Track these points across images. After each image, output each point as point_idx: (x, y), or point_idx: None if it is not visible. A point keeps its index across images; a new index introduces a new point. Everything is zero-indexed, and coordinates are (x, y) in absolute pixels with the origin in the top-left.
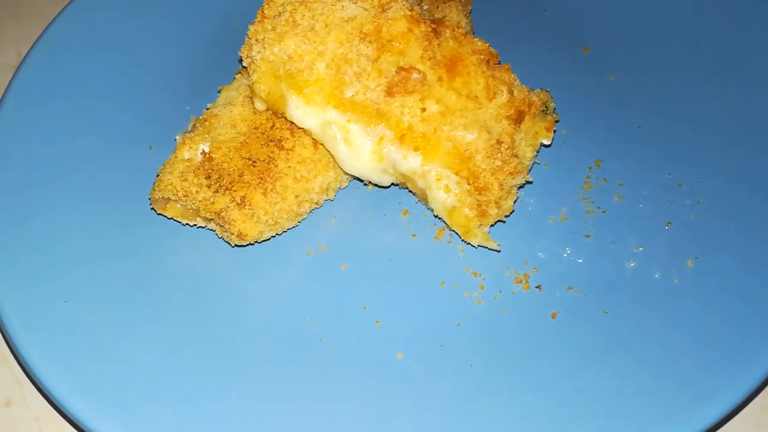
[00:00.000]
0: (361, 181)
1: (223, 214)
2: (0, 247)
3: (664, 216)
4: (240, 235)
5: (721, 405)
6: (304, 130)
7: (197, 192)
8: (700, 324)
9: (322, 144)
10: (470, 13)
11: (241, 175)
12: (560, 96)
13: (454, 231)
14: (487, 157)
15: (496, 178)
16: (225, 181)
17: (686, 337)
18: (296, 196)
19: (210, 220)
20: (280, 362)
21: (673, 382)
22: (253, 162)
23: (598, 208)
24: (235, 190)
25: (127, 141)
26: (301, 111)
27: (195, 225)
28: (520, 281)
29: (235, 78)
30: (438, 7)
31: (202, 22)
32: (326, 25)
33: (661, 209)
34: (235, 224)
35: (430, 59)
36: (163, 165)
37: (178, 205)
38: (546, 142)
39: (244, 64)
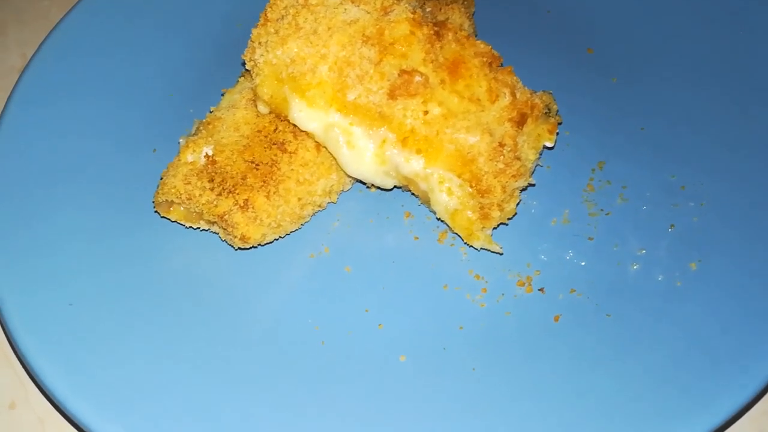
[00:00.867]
0: (364, 183)
1: (226, 217)
2: (4, 249)
3: (668, 218)
4: (243, 238)
5: (723, 409)
6: (307, 133)
7: (200, 195)
8: (703, 327)
9: (324, 147)
10: (473, 14)
11: (244, 178)
12: (563, 98)
13: (456, 234)
14: (490, 160)
15: (498, 181)
16: (228, 184)
17: (689, 340)
18: (299, 199)
19: (213, 223)
20: (282, 365)
21: (676, 386)
22: (256, 165)
23: (601, 210)
24: (238, 193)
25: (131, 144)
26: (303, 114)
27: (198, 228)
28: (523, 284)
29: (238, 81)
30: (441, 9)
31: (206, 26)
32: (329, 28)
33: (665, 211)
34: (238, 227)
35: (432, 62)
36: (167, 168)
37: (182, 208)
38: (549, 144)
39: (247, 68)
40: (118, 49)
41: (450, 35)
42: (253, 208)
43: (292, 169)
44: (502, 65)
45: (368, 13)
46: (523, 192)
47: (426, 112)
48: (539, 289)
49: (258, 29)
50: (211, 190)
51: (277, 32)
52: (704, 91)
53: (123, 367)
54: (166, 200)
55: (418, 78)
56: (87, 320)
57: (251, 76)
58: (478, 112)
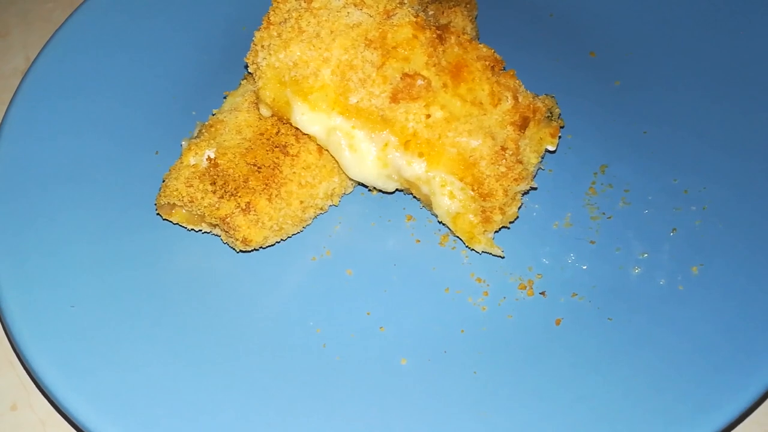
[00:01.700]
0: (366, 186)
1: (228, 219)
2: (6, 251)
3: (670, 222)
4: (245, 241)
5: (724, 413)
6: (309, 136)
7: (202, 198)
8: (705, 331)
9: (326, 150)
10: (476, 18)
11: (246, 181)
12: (565, 101)
13: (458, 237)
14: (492, 164)
15: (500, 185)
16: (230, 186)
17: (690, 344)
18: (301, 202)
19: (215, 225)
20: (284, 367)
21: (678, 390)
22: (258, 168)
23: (603, 214)
24: (240, 196)
25: (134, 146)
26: (306, 117)
27: (200, 230)
28: (525, 287)
29: (240, 84)
30: (443, 12)
31: (208, 29)
32: (331, 32)
33: (667, 215)
34: (240, 230)
35: (434, 65)
36: (169, 171)
37: (184, 211)
38: (551, 148)
39: (249, 71)
40: (121, 51)
41: (452, 39)
42: (254, 210)
43: (294, 172)
44: (504, 69)
45: (371, 16)
46: (525, 195)
47: (428, 116)
48: (541, 293)
49: (261, 32)
50: (213, 192)
51: (279, 35)
52: (706, 95)
53: (124, 369)
54: (168, 203)
55: (420, 81)
56: (88, 322)
57: (254, 79)
58: (481, 116)
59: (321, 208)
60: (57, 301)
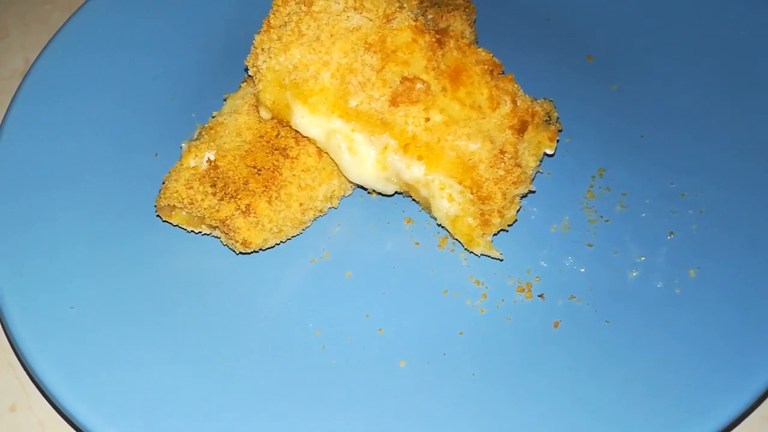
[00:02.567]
0: (365, 189)
1: (228, 221)
2: (6, 253)
3: (667, 225)
4: (245, 243)
5: (721, 416)
6: (309, 139)
7: (202, 200)
8: (702, 334)
9: (326, 153)
10: (474, 22)
11: (246, 183)
12: (563, 105)
13: (457, 240)
14: (491, 167)
15: (499, 188)
16: (230, 189)
17: (687, 346)
18: (300, 204)
19: (215, 227)
20: (283, 369)
21: (675, 392)
22: (258, 170)
23: (601, 217)
24: (240, 198)
25: (134, 148)
26: (305, 120)
27: (200, 232)
28: (523, 290)
29: (240, 86)
30: (442, 16)
31: (208, 31)
32: (331, 35)
33: (664, 219)
34: (240, 232)
35: (434, 69)
36: (169, 173)
37: (184, 213)
38: (549, 151)
39: (249, 73)
40: (121, 53)
41: (452, 43)
42: (254, 213)
43: (293, 175)
44: (503, 73)
45: (371, 20)
46: (523, 199)
47: (427, 119)
48: (539, 295)
49: (261, 36)
50: (213, 194)
51: (280, 39)
52: (704, 98)
53: (124, 370)
54: (168, 204)
55: (419, 85)
56: (88, 323)
57: (254, 82)
58: (479, 120)
59: (320, 211)
60: (57, 302)
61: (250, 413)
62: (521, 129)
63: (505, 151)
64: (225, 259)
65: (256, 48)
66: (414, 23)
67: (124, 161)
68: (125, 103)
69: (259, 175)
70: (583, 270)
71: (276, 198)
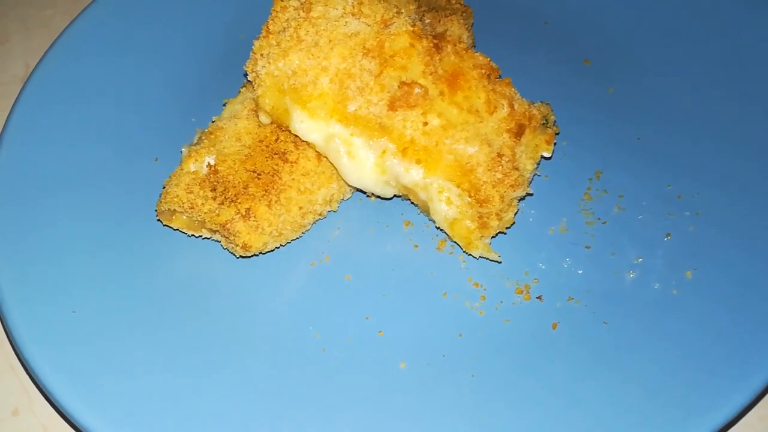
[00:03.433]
0: (364, 192)
1: (228, 225)
2: (8, 257)
3: (664, 227)
4: (245, 247)
5: (719, 416)
6: (308, 143)
7: (203, 204)
8: (698, 335)
9: (325, 157)
10: (472, 26)
11: (245, 188)
12: (561, 108)
13: (455, 242)
14: (488, 170)
15: (497, 191)
16: (230, 193)
17: (684, 347)
18: (300, 208)
19: (215, 231)
20: (283, 372)
21: (672, 393)
22: (258, 174)
23: (598, 219)
24: (240, 202)
25: (134, 153)
26: (305, 125)
27: (200, 236)
28: (521, 292)
29: (240, 91)
30: (440, 21)
31: (208, 36)
32: (330, 41)
33: (661, 221)
34: (240, 236)
35: (431, 74)
36: (169, 177)
37: (184, 217)
38: (546, 154)
39: (248, 78)
40: (121, 58)
41: (449, 47)
42: (254, 217)
43: (293, 179)
44: (500, 77)
45: (369, 25)
46: (521, 201)
47: (425, 123)
48: (537, 297)
49: (260, 41)
50: (213, 199)
51: (278, 44)
52: (700, 101)
53: (126, 373)
54: (169, 209)
55: (417, 90)
56: (90, 327)
57: (253, 87)
58: (477, 123)
59: (320, 214)
60: (59, 306)
61: (252, 415)
62: (518, 132)
63: (503, 155)
64: (225, 263)
65: (255, 53)
66: (411, 28)
67: (125, 166)
68: (125, 108)
69: (259, 179)
70: (580, 272)
71: (276, 202)
